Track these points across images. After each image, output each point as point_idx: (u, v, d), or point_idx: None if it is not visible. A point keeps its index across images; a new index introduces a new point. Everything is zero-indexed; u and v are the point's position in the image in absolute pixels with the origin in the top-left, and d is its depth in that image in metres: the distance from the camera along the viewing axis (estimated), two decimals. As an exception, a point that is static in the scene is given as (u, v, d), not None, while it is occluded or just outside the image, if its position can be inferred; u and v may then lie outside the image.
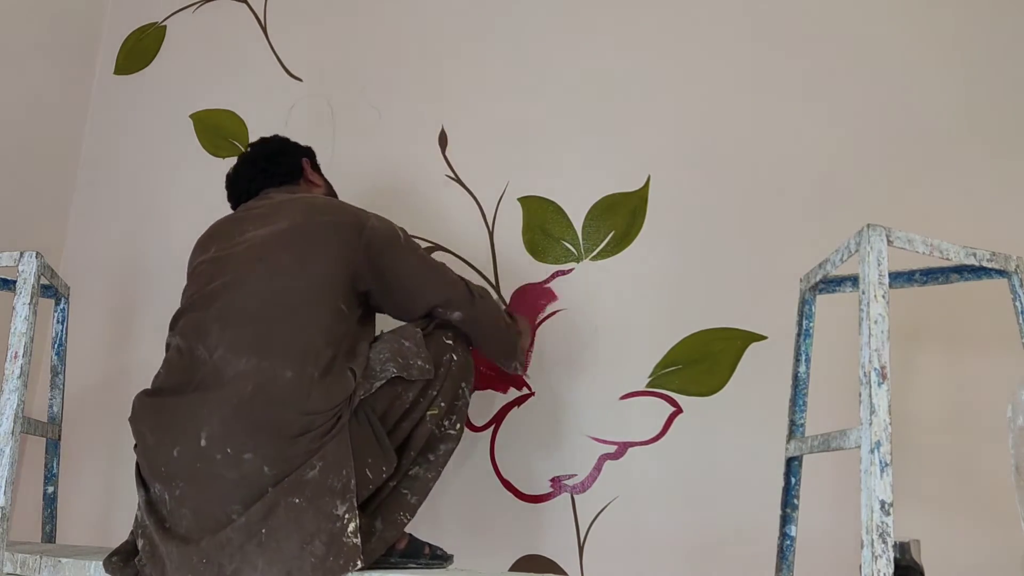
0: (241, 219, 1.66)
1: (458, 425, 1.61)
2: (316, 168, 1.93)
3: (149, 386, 1.53)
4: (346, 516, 1.35)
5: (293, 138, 1.94)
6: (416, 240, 1.72)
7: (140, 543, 1.44)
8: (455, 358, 1.59)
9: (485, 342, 1.71)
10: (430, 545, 1.62)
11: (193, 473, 1.36)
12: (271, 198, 1.71)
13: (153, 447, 1.42)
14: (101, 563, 1.48)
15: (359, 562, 1.34)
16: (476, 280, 2.17)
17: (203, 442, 1.35)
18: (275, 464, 1.34)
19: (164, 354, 1.57)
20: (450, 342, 1.60)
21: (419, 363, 1.51)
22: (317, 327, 1.44)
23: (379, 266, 1.58)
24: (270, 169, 1.80)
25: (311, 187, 1.85)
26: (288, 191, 1.76)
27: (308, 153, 1.91)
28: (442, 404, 1.56)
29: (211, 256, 1.61)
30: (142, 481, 1.48)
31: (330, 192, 1.92)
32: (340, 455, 1.37)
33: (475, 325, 1.65)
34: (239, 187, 1.81)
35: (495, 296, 1.61)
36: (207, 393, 1.39)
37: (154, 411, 1.45)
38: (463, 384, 1.62)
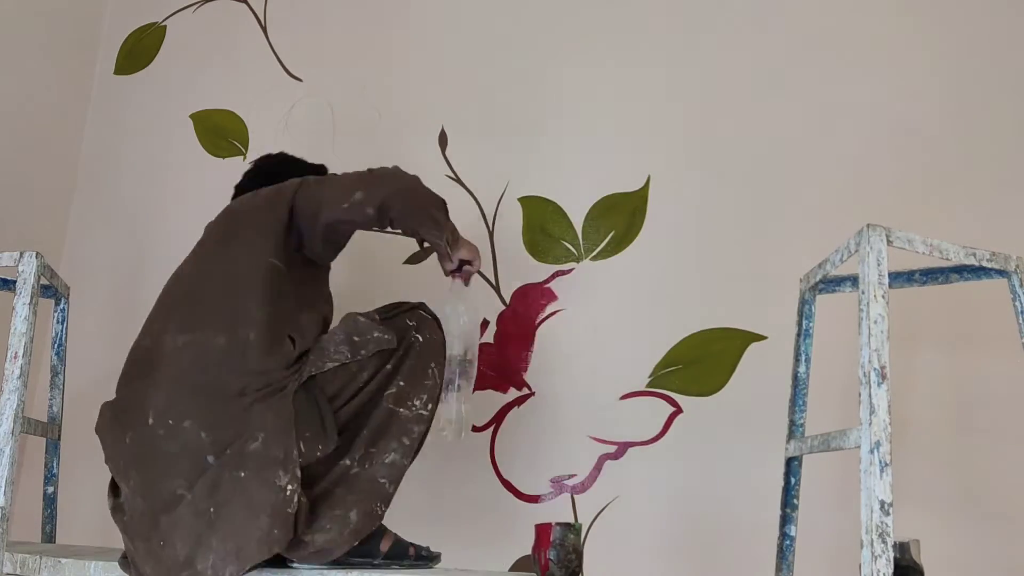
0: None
1: (429, 406, 1.53)
2: None
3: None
4: (288, 487, 1.32)
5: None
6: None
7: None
8: (419, 338, 1.54)
9: (403, 220, 1.61)
10: (415, 546, 1.58)
11: (140, 456, 1.37)
12: None
13: (111, 444, 1.44)
14: (102, 563, 1.47)
15: (293, 532, 1.33)
16: (475, 281, 2.18)
17: (150, 420, 1.37)
18: (212, 429, 1.34)
19: None
20: (412, 323, 1.55)
21: (376, 334, 1.47)
22: (246, 288, 1.45)
23: (296, 208, 1.56)
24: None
25: None
26: None
27: (315, 170, 1.83)
28: (401, 383, 1.49)
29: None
30: (113, 488, 1.48)
31: None
32: (281, 425, 1.35)
33: (386, 207, 1.56)
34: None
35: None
36: (152, 374, 1.43)
37: (111, 411, 1.47)
38: (432, 364, 1.55)
